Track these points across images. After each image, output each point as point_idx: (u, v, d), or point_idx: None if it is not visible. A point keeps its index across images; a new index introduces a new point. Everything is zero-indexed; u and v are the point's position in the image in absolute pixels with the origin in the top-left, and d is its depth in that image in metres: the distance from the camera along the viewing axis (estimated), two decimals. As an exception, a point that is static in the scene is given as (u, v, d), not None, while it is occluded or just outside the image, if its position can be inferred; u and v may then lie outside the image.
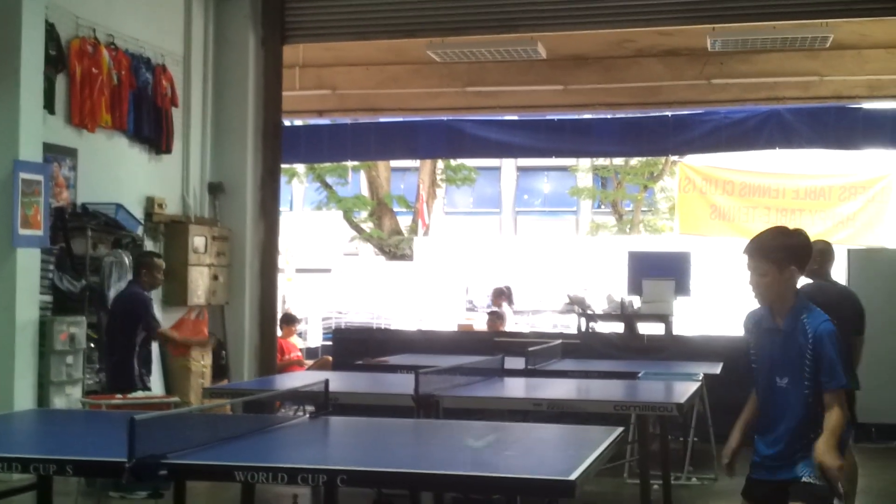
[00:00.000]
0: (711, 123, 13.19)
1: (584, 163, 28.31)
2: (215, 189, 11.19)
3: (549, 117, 14.39)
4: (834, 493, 3.94)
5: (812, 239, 4.30)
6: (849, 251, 11.21)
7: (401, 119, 14.78)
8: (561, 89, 13.49)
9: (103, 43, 9.65)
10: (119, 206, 9.70)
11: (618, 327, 11.22)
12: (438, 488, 4.88)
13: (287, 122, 14.00)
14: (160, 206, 10.44)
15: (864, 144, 13.12)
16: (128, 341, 7.95)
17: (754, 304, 4.20)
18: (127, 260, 9.29)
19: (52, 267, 8.80)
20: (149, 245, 10.18)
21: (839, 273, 10.14)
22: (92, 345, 9.06)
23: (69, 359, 8.71)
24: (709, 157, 15.98)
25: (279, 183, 11.77)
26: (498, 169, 33.11)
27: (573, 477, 3.45)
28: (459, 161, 24.13)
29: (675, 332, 10.75)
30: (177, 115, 10.72)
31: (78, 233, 9.20)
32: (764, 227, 4.45)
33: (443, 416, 5.99)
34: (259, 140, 11.38)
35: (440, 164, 24.12)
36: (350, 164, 22.18)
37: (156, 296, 8.91)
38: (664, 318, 10.67)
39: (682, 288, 10.79)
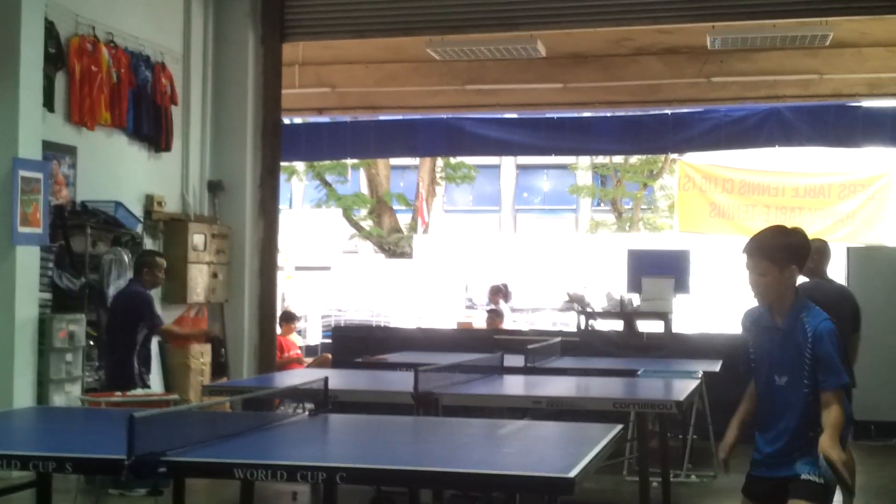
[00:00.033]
0: (711, 121, 13.19)
1: (584, 161, 28.32)
2: (215, 187, 11.19)
3: (548, 115, 14.38)
4: (844, 486, 3.94)
5: (809, 237, 4.31)
6: (848, 249, 11.21)
7: (400, 117, 14.78)
8: (560, 87, 13.49)
9: (103, 41, 9.65)
10: (118, 204, 9.71)
11: (617, 325, 11.22)
12: (438, 486, 4.89)
13: (286, 120, 14.02)
14: (159, 203, 10.44)
15: (863, 142, 13.12)
16: (128, 340, 7.95)
17: (753, 303, 4.20)
18: (126, 258, 9.29)
19: (51, 265, 8.81)
20: (148, 243, 10.18)
21: (839, 271, 10.16)
22: (91, 342, 9.06)
23: (68, 356, 8.72)
24: (708, 156, 16.00)
25: (279, 181, 11.77)
26: (497, 167, 33.09)
27: (572, 474, 3.46)
28: (459, 159, 24.13)
29: (674, 330, 10.74)
30: (176, 112, 10.72)
31: (77, 231, 9.21)
32: (763, 225, 4.44)
33: (442, 413, 5.99)
34: (258, 138, 11.38)
35: (440, 161, 24.11)
36: (349, 161, 22.20)
37: (155, 294, 8.91)
38: (663, 315, 10.67)
39: (681, 286, 10.78)
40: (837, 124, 12.78)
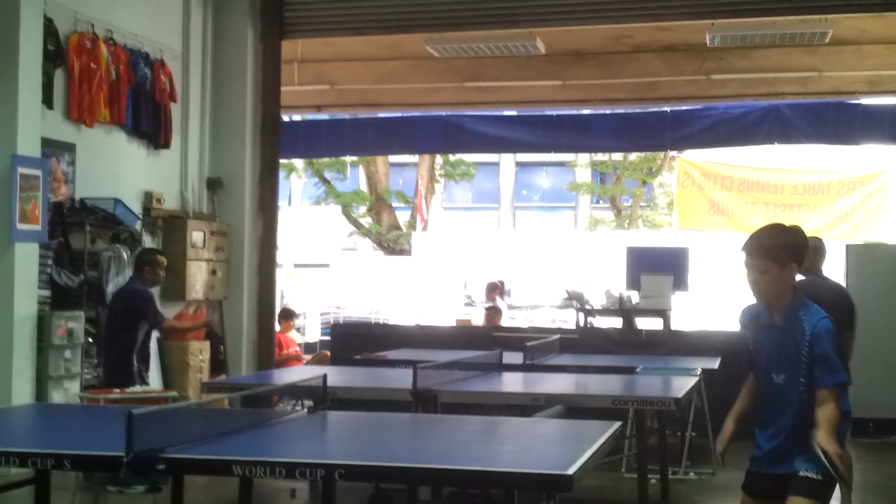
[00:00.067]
0: (710, 119, 13.17)
1: (583, 158, 28.33)
2: (214, 184, 11.19)
3: (547, 113, 14.37)
4: (841, 479, 3.95)
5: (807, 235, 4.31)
6: (847, 246, 11.22)
7: (399, 114, 14.77)
8: (559, 85, 13.48)
9: (102, 38, 9.64)
10: (117, 201, 9.71)
11: (616, 322, 11.23)
12: (436, 483, 4.89)
13: (286, 118, 14.00)
14: (158, 201, 10.43)
15: (862, 140, 13.12)
16: (128, 337, 7.95)
17: (752, 300, 4.20)
18: (125, 255, 9.29)
19: (50, 262, 8.80)
20: (147, 240, 10.18)
21: (838, 268, 10.17)
22: (90, 339, 9.06)
23: (67, 353, 8.72)
24: (707, 153, 16.01)
25: (278, 178, 11.77)
26: (496, 164, 33.09)
27: (571, 471, 3.46)
28: (458, 156, 24.15)
29: (673, 327, 10.76)
30: (175, 110, 10.72)
31: (76, 228, 9.20)
32: (762, 222, 4.44)
33: (441, 410, 6.00)
34: (258, 135, 11.37)
35: (439, 159, 24.12)
36: (348, 159, 22.20)
37: (155, 291, 8.91)
38: (662, 313, 10.68)
39: (680, 283, 10.79)
40: (837, 121, 12.77)
